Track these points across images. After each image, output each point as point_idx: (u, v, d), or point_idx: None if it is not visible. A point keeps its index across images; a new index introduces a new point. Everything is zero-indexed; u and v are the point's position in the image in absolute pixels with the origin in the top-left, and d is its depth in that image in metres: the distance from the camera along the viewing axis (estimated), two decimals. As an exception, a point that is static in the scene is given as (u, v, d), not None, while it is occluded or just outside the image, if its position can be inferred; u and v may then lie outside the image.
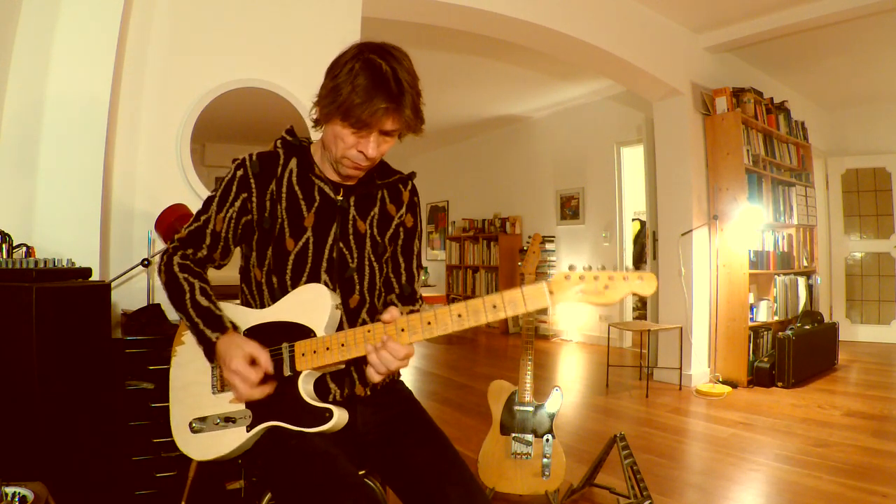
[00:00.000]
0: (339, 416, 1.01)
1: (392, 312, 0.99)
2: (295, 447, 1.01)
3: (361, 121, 1.00)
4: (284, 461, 1.00)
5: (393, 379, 1.26)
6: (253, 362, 1.01)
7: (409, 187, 1.27)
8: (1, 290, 1.40)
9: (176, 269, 1.11)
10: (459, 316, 0.95)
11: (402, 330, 0.98)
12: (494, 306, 0.93)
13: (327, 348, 1.02)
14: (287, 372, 1.03)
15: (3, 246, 1.61)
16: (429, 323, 0.97)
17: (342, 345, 1.01)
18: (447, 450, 1.09)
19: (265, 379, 1.02)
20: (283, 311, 1.09)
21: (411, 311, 1.04)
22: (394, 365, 0.98)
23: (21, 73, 1.83)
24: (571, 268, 0.91)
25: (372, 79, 0.98)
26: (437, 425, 1.17)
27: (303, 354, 1.03)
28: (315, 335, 1.04)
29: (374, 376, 1.00)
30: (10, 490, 1.10)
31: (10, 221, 1.76)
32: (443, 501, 1.00)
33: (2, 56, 1.79)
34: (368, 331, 1.00)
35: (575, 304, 0.90)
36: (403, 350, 0.98)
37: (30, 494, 1.11)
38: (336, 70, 1.03)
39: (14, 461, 1.36)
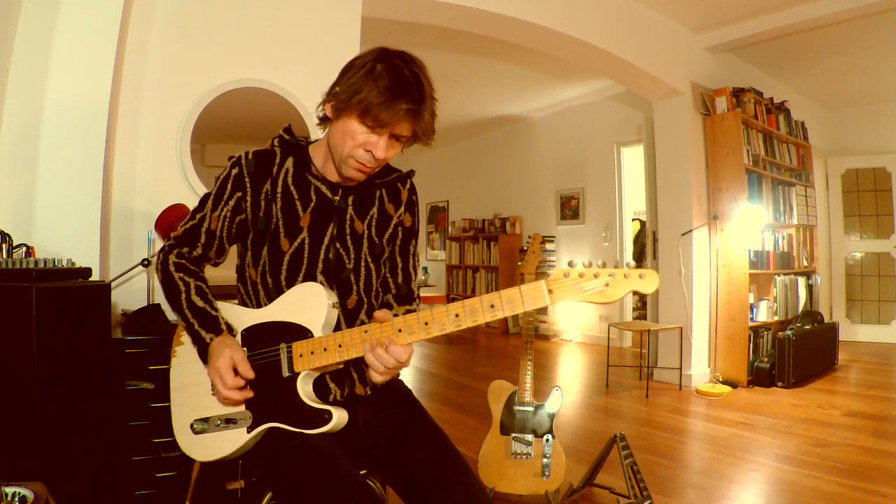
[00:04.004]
0: (339, 418, 1.01)
1: (384, 313, 0.99)
2: (297, 447, 1.01)
3: (380, 120, 1.00)
4: (286, 461, 1.00)
5: (392, 378, 1.26)
6: (235, 369, 1.02)
7: (408, 186, 1.26)
8: (1, 290, 1.40)
9: (172, 268, 1.11)
10: (457, 316, 0.93)
11: (400, 330, 0.97)
12: (492, 306, 0.91)
13: (325, 349, 1.01)
14: (285, 373, 1.03)
15: (3, 246, 1.61)
16: (426, 323, 0.96)
17: (339, 345, 1.00)
18: (448, 448, 1.09)
19: (245, 385, 1.03)
20: (279, 310, 1.08)
21: (407, 311, 1.03)
22: (391, 364, 0.97)
23: (21, 73, 1.83)
24: (571, 264, 0.88)
25: (395, 80, 0.99)
26: (438, 424, 1.17)
27: (300, 355, 1.03)
28: (312, 335, 1.03)
29: (376, 377, 1.00)
30: (10, 490, 1.10)
31: (10, 221, 1.76)
32: (444, 499, 1.00)
33: (2, 56, 1.79)
34: (365, 331, 0.99)
35: (574, 302, 0.87)
36: (406, 353, 0.98)
37: (30, 494, 1.11)
38: (355, 70, 1.03)
39: (14, 461, 1.36)
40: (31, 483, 1.14)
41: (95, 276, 1.78)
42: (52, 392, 1.41)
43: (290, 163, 1.15)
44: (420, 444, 1.10)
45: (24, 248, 1.68)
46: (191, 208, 2.03)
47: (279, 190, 1.13)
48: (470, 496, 1.02)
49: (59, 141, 1.87)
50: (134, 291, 2.13)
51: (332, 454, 0.99)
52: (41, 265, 1.54)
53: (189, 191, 2.28)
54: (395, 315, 1.01)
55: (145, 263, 2.00)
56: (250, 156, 1.13)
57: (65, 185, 1.87)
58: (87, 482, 1.49)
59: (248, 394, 1.03)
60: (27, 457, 1.38)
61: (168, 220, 1.97)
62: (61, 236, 1.84)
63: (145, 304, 2.08)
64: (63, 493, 1.27)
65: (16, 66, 1.83)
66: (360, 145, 1.04)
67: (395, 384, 1.25)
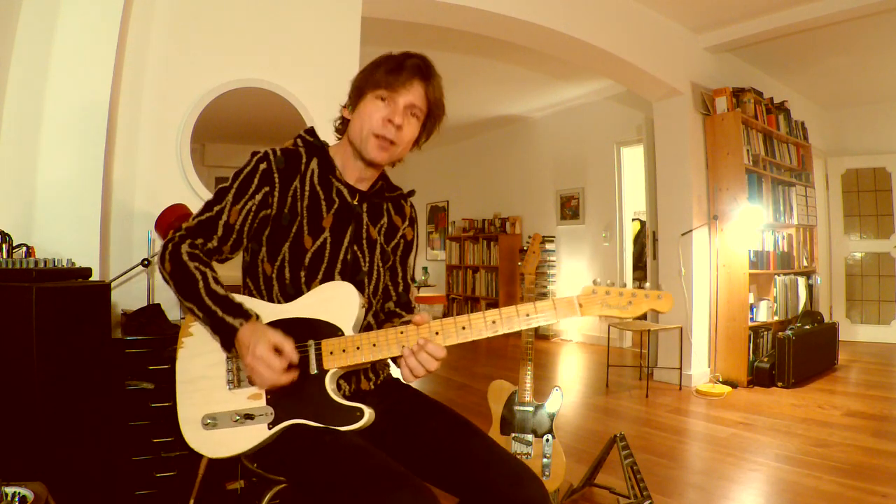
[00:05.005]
0: (370, 414, 1.02)
1: (423, 316, 1.03)
2: (329, 443, 0.99)
3: (393, 85, 1.09)
4: (320, 457, 0.98)
5: (390, 375, 1.28)
6: (277, 351, 1.00)
7: (409, 203, 1.33)
8: (1, 290, 1.40)
9: (185, 257, 1.06)
10: (493, 322, 1.00)
11: (437, 333, 1.01)
12: (528, 315, 0.99)
13: (357, 347, 1.02)
14: (313, 370, 1.03)
15: (3, 246, 1.61)
16: (463, 328, 1.01)
17: (374, 345, 1.02)
18: (455, 415, 1.13)
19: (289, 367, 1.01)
20: (304, 307, 1.08)
21: (403, 322, 1.08)
22: (432, 366, 1.00)
23: (21, 73, 1.83)
24: (595, 282, 1.00)
25: (399, 55, 1.12)
26: (438, 400, 1.20)
27: (331, 353, 1.03)
28: (342, 333, 1.04)
29: (410, 377, 1.03)
30: (10, 490, 1.10)
31: (10, 221, 1.76)
32: (468, 455, 1.03)
33: (2, 56, 1.79)
34: (401, 332, 1.02)
35: (599, 315, 1.00)
36: (442, 351, 1.01)
37: (30, 494, 1.11)
38: (362, 69, 1.16)
39: (14, 461, 1.36)
40: (31, 483, 1.14)
41: (95, 276, 1.78)
42: (52, 392, 1.41)
43: (315, 163, 1.17)
44: (428, 419, 1.13)
45: (24, 248, 1.68)
46: (191, 208, 2.04)
47: (307, 189, 1.14)
48: (490, 447, 1.05)
49: (60, 141, 1.87)
50: (134, 291, 2.13)
51: (370, 448, 0.99)
52: (41, 265, 1.53)
53: (189, 191, 2.28)
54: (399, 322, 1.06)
55: (145, 263, 2.00)
56: (279, 152, 1.14)
57: (65, 185, 1.87)
58: (87, 482, 1.49)
59: (295, 374, 1.01)
60: (27, 457, 1.38)
61: (168, 220, 1.97)
62: (61, 236, 1.84)
63: (145, 304, 2.08)
64: (63, 493, 1.27)
65: (16, 66, 1.83)
66: (381, 119, 1.10)
67: (393, 379, 1.27)
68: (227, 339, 1.02)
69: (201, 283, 1.04)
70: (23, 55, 1.84)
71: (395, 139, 1.12)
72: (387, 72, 1.09)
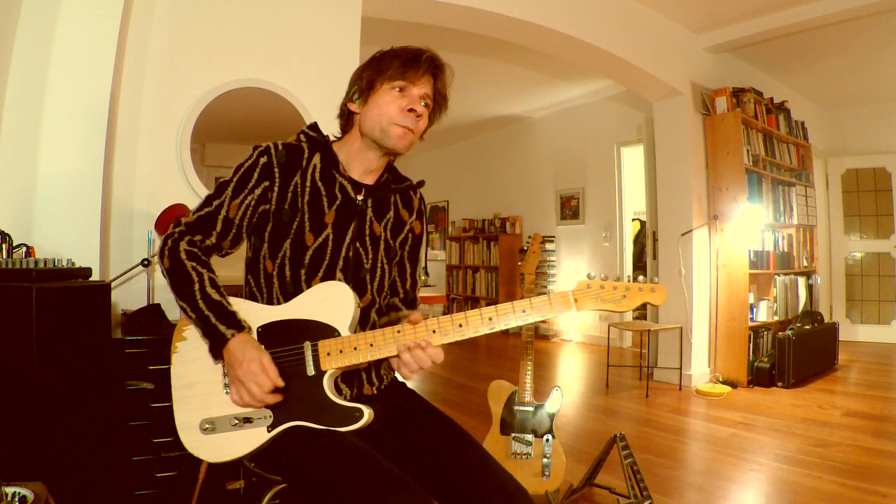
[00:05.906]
0: (369, 414, 1.01)
1: (417, 315, 1.03)
2: (329, 444, 0.99)
3: (410, 74, 1.10)
4: (320, 458, 0.98)
5: (394, 378, 1.27)
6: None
7: (419, 195, 1.32)
8: (1, 290, 1.40)
9: (183, 255, 1.05)
10: (490, 319, 1.00)
11: (434, 332, 1.01)
12: (524, 311, 1.00)
13: (355, 348, 1.01)
14: (311, 372, 1.02)
15: (3, 246, 1.61)
16: (460, 325, 1.00)
17: (371, 345, 1.01)
18: (453, 426, 1.13)
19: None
20: (299, 308, 1.07)
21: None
22: (427, 364, 1.01)
23: (21, 72, 1.83)
24: (590, 276, 1.00)
25: (409, 48, 1.14)
26: (438, 408, 1.19)
27: (328, 354, 1.02)
28: (339, 334, 1.03)
29: (407, 374, 1.04)
30: (10, 490, 1.10)
31: (10, 221, 1.76)
32: (464, 468, 1.03)
33: (2, 56, 1.79)
34: (398, 331, 1.01)
35: (594, 310, 1.00)
36: (441, 355, 1.01)
37: (30, 494, 1.11)
38: (367, 62, 1.17)
39: (14, 461, 1.36)
40: (31, 483, 1.14)
41: (95, 276, 1.78)
42: (52, 392, 1.41)
43: (317, 158, 1.16)
44: (427, 427, 1.12)
45: (24, 248, 1.68)
46: (191, 208, 2.04)
47: (308, 184, 1.13)
48: (486, 461, 1.05)
49: (60, 141, 1.86)
50: (134, 291, 2.13)
51: (367, 450, 0.99)
52: (41, 265, 1.54)
53: (189, 191, 2.28)
54: (401, 317, 1.05)
55: (145, 263, 2.00)
56: (280, 147, 1.13)
57: (65, 185, 1.86)
58: (87, 482, 1.49)
59: (279, 397, 1.01)
60: (27, 457, 1.38)
61: (168, 221, 1.97)
62: (61, 236, 1.84)
63: (145, 304, 2.08)
64: (63, 493, 1.27)
65: (16, 66, 1.83)
66: (399, 109, 1.11)
67: (395, 382, 1.26)
68: (217, 347, 1.01)
69: (197, 286, 1.03)
70: (23, 55, 1.84)
71: (414, 128, 1.13)
72: (403, 63, 1.10)
